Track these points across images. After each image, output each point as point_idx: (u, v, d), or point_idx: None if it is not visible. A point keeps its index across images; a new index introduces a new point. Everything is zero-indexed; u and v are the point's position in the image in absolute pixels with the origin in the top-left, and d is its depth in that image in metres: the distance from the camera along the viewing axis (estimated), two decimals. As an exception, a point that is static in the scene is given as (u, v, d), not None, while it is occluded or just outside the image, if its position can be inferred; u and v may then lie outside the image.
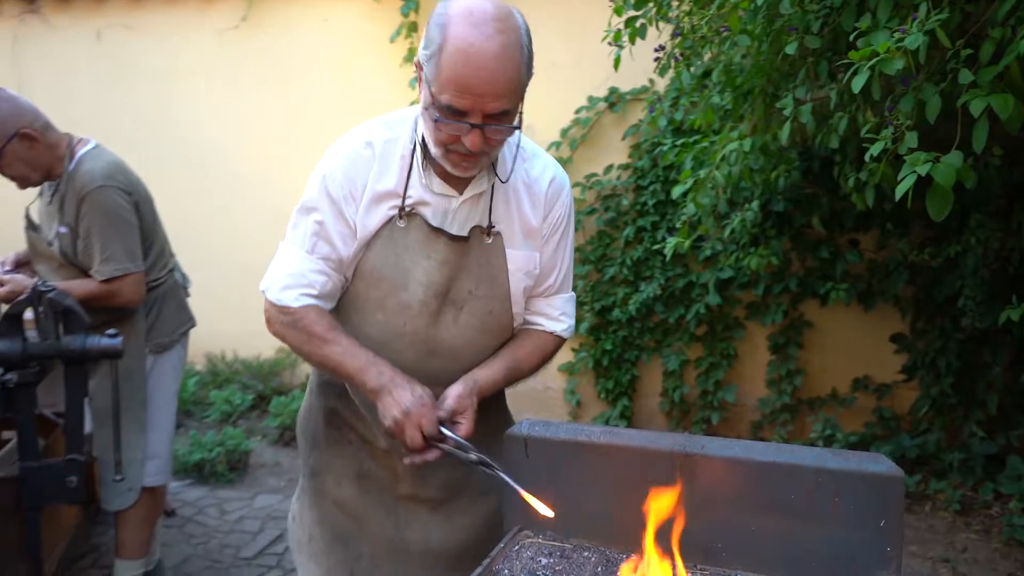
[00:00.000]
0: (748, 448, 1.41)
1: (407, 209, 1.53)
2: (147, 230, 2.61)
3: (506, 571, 1.41)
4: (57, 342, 2.18)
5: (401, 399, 1.46)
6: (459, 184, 1.54)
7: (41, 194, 2.63)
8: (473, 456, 1.46)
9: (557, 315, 1.66)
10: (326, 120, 4.75)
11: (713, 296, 3.99)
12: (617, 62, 2.70)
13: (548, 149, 4.30)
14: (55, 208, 2.52)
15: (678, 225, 3.40)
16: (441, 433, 1.47)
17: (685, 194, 2.88)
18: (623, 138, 4.23)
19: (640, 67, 3.00)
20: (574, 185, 4.27)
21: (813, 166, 3.60)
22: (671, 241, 3.19)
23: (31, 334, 2.18)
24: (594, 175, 4.26)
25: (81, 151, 2.52)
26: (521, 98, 1.41)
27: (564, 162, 4.30)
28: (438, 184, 1.53)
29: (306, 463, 1.78)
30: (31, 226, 2.62)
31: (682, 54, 2.59)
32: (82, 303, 2.24)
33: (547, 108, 4.36)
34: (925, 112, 1.80)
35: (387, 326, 1.56)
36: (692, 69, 2.59)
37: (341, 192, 1.53)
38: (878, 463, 1.33)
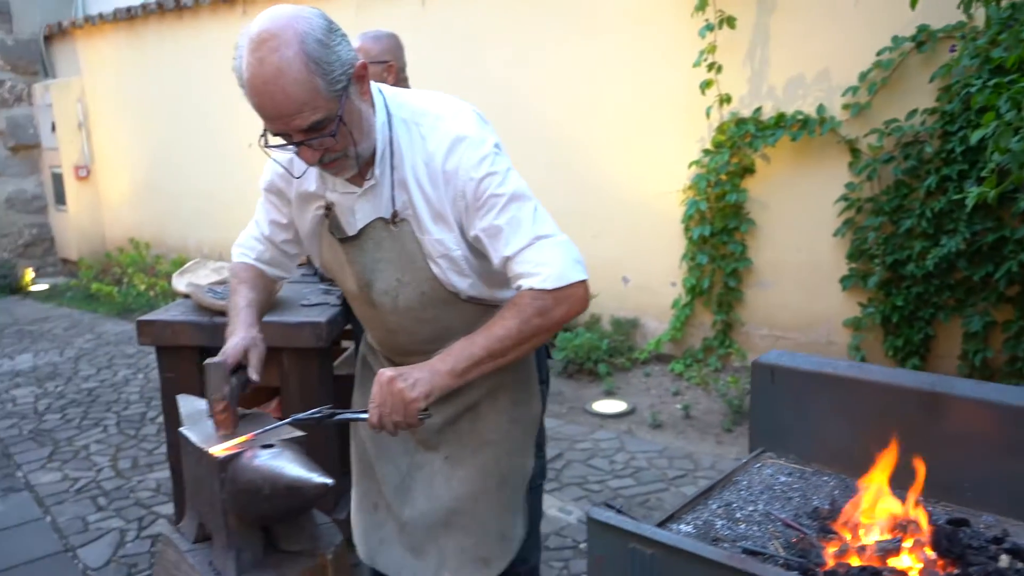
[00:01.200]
0: (1002, 391, 1.40)
1: (328, 210, 1.62)
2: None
3: (745, 481, 1.55)
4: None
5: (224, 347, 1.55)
6: (359, 179, 1.55)
7: None
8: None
9: (532, 269, 1.46)
10: (624, 69, 4.95)
11: (1029, 253, 3.60)
12: (914, 1, 2.55)
13: (844, 94, 4.14)
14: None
15: (984, 174, 3.13)
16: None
17: (984, 139, 2.66)
18: (931, 80, 3.91)
19: (955, 1, 2.78)
20: (870, 132, 4.06)
21: None
22: (973, 191, 2.96)
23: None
24: (894, 120, 3.99)
25: None
26: (329, 104, 1.37)
27: (861, 108, 4.09)
28: (340, 184, 1.57)
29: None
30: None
31: (992, -15, 2.39)
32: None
33: (845, 50, 4.17)
34: None
35: (357, 310, 1.74)
36: (1002, 2, 2.38)
37: (273, 188, 1.71)
38: None
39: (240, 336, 1.56)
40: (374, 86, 1.53)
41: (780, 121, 4.34)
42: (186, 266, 3.00)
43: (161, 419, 4.48)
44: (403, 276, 1.58)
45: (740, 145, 4.50)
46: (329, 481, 1.24)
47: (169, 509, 3.41)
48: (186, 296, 2.79)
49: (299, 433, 1.42)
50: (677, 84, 4.70)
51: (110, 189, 9.12)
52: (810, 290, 4.49)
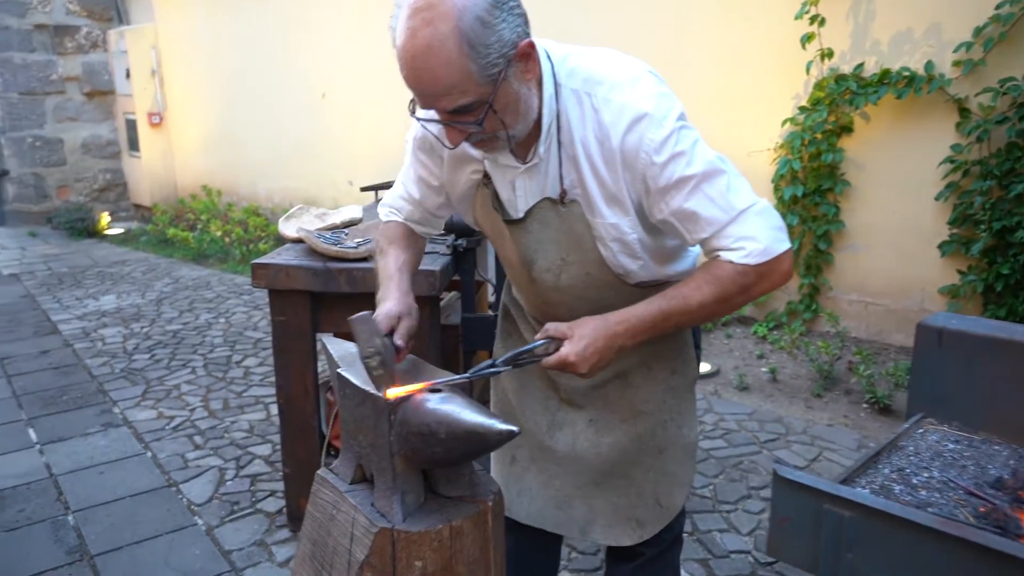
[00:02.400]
0: None
1: (486, 180, 1.51)
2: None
3: (911, 447, 1.50)
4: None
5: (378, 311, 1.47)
6: (522, 151, 1.42)
7: None
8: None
9: (731, 244, 1.36)
10: (717, 20, 4.80)
11: None
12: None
13: (956, 50, 3.94)
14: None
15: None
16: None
17: None
18: (1054, 36, 3.70)
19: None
20: (984, 91, 3.87)
21: None
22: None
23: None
24: (1010, 79, 3.79)
25: None
26: (480, 89, 1.24)
27: (974, 65, 3.90)
28: (503, 155, 1.44)
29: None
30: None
31: None
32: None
33: (959, 3, 3.97)
34: None
35: (514, 279, 1.66)
36: None
37: (424, 144, 1.57)
38: None
39: (394, 302, 1.48)
40: (542, 50, 1.38)
41: (884, 78, 4.16)
42: (290, 212, 3.00)
43: (247, 363, 4.58)
44: (568, 256, 1.50)
45: (839, 102, 4.34)
46: (515, 428, 1.21)
47: (264, 450, 3.48)
48: (295, 241, 2.80)
49: (461, 379, 1.41)
50: (775, 37, 4.54)
51: (182, 136, 9.24)
52: (905, 255, 4.35)
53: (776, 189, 4.62)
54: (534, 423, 1.75)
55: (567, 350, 1.36)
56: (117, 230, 8.82)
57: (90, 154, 9.48)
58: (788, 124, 4.54)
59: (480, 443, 1.26)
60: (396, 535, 1.33)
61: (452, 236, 2.72)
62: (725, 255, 1.36)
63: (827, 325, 4.50)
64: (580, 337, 1.36)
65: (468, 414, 1.27)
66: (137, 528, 2.90)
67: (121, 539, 2.83)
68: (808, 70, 4.40)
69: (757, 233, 1.35)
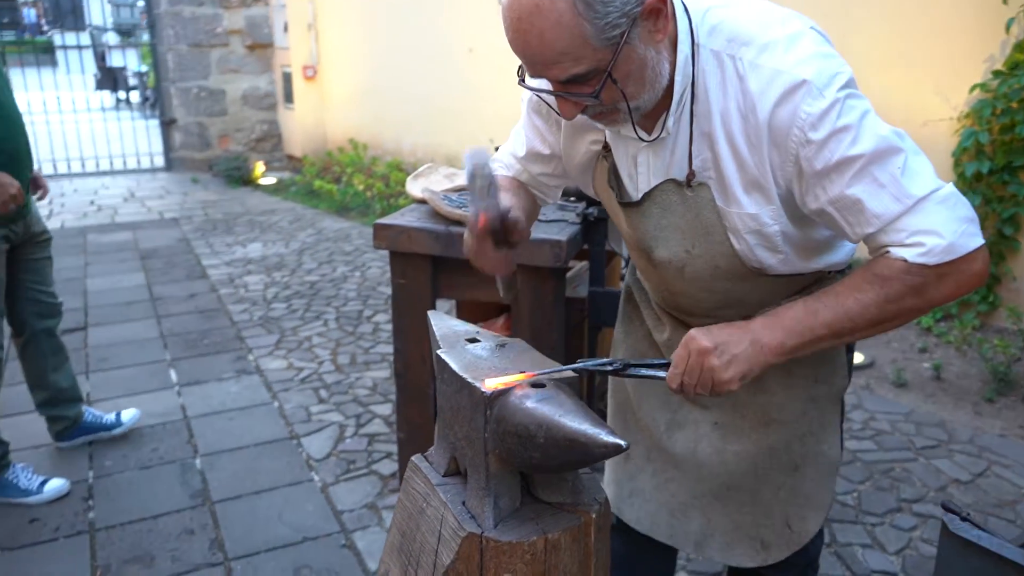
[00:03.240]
0: None
1: (605, 152, 1.34)
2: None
3: None
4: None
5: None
6: (650, 124, 1.22)
7: None
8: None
9: (906, 239, 1.11)
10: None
11: None
12: None
13: None
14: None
15: None
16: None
17: None
18: None
19: None
20: None
21: None
22: None
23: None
24: None
25: None
26: (597, 55, 1.06)
27: None
28: (625, 127, 1.23)
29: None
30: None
31: None
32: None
33: None
34: None
35: (635, 261, 1.50)
36: None
37: (541, 108, 1.40)
38: None
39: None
40: (678, 3, 1.17)
41: (1103, 38, 3.57)
42: (419, 170, 2.90)
43: (377, 318, 4.60)
44: (694, 247, 1.30)
45: (1043, 66, 3.77)
46: (623, 443, 1.03)
47: (384, 410, 3.47)
48: (420, 201, 2.70)
49: (570, 374, 1.23)
50: (968, -10, 3.99)
51: (333, 89, 9.45)
52: (1110, 246, 3.77)
53: (956, 164, 4.10)
54: (652, 419, 1.56)
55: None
56: (270, 180, 9.17)
57: (249, 105, 9.87)
58: (977, 90, 4.00)
59: (582, 453, 1.09)
60: (485, 543, 1.18)
61: (583, 204, 2.54)
62: (897, 251, 1.12)
63: (1007, 320, 3.98)
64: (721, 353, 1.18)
65: (570, 419, 1.09)
66: (257, 478, 2.95)
67: (242, 487, 2.88)
68: (1008, 28, 3.84)
69: (940, 226, 1.09)
